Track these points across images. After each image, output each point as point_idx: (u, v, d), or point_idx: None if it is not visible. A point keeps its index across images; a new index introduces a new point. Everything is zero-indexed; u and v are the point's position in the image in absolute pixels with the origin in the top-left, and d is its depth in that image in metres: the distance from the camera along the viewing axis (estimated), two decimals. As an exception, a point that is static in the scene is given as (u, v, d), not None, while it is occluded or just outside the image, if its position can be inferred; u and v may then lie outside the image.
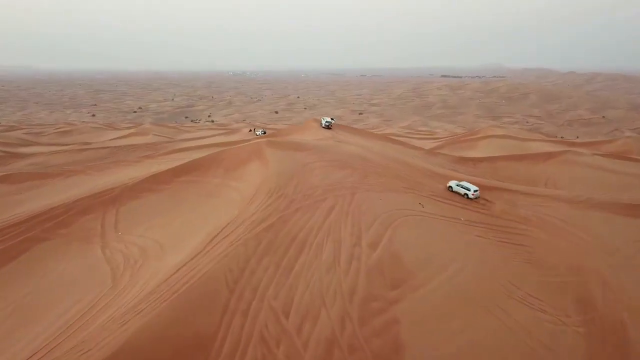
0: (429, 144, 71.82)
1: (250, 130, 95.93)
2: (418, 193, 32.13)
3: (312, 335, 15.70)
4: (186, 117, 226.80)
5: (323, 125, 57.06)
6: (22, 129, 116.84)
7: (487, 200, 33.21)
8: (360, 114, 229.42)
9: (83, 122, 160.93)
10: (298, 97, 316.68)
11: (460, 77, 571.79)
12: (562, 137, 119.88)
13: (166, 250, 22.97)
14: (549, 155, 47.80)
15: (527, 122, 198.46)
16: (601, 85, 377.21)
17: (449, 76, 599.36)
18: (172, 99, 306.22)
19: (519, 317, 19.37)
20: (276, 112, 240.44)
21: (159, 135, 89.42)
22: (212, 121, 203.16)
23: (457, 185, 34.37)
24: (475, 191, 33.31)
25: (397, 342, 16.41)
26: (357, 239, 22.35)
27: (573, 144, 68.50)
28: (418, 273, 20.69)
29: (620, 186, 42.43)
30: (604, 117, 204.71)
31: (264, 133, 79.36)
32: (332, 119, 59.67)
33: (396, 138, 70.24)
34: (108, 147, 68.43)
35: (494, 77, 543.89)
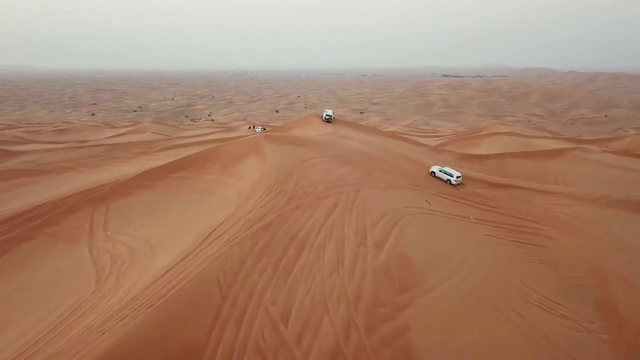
0: (432, 142, 70.22)
1: (250, 128, 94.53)
2: (424, 190, 30.59)
3: (313, 345, 14.12)
4: (186, 116, 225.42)
5: (324, 118, 55.26)
6: (20, 127, 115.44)
7: (496, 197, 31.68)
8: (362, 112, 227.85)
9: (82, 121, 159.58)
10: (299, 97, 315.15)
11: (461, 76, 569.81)
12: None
13: (156, 250, 21.37)
14: (558, 152, 46.26)
15: (530, 121, 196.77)
16: (603, 85, 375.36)
17: (450, 75, 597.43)
18: (172, 98, 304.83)
19: (538, 322, 17.86)
20: (277, 111, 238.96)
21: (157, 133, 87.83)
22: (212, 120, 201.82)
23: (440, 171, 34.04)
24: (458, 177, 32.93)
25: (408, 351, 14.85)
26: (362, 238, 20.76)
27: (581, 141, 66.96)
28: (428, 275, 19.13)
29: (632, 183, 41.07)
30: (606, 116, 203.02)
31: (264, 130, 77.85)
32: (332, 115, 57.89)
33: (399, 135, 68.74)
34: (104, 145, 66.93)
35: (495, 76, 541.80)
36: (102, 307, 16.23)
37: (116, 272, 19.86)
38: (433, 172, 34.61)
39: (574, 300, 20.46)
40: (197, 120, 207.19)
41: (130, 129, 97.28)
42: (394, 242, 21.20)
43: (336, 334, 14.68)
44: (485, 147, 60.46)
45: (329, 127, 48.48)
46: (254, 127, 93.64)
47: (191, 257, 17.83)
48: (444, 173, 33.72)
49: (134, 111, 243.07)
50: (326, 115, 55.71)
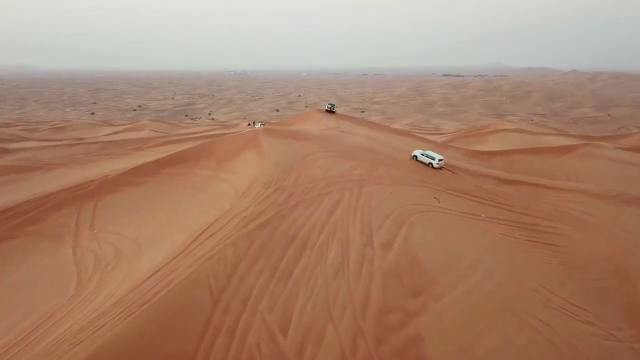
0: (437, 139, 68.51)
1: (249, 124, 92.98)
2: (432, 187, 28.97)
3: (316, 358, 12.46)
4: (186, 115, 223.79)
5: (327, 108, 56.98)
6: (17, 125, 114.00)
7: (508, 194, 30.07)
8: (362, 112, 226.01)
9: (81, 119, 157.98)
10: (299, 96, 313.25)
11: (462, 75, 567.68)
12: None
13: (143, 250, 19.66)
14: (568, 149, 44.57)
15: (532, 120, 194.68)
16: (605, 84, 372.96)
17: (450, 75, 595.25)
18: (173, 97, 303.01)
19: (562, 330, 16.22)
20: (277, 110, 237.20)
21: (155, 131, 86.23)
22: (213, 119, 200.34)
23: (422, 155, 34.13)
24: (439, 160, 33.11)
25: (421, 364, 13.19)
26: (367, 238, 19.05)
27: (589, 138, 65.22)
28: (440, 278, 17.46)
29: (646, 180, 39.37)
30: (609, 115, 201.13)
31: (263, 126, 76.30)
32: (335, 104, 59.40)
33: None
34: (100, 142, 65.36)
35: (496, 75, 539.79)
36: (80, 313, 14.55)
37: (99, 274, 18.15)
38: (415, 155, 34.60)
39: (598, 304, 18.96)
40: (197, 119, 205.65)
41: (128, 126, 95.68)
42: (403, 242, 19.53)
43: (341, 344, 13.00)
44: (491, 144, 58.78)
45: (331, 122, 46.76)
46: (253, 123, 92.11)
47: (180, 258, 16.09)
48: (426, 156, 33.71)
49: (134, 110, 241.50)
50: (329, 104, 57.78)
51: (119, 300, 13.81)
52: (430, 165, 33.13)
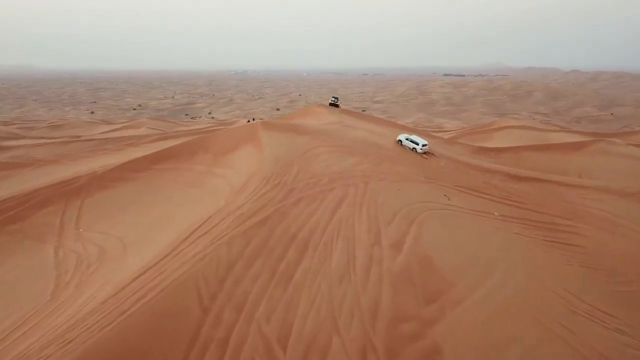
0: (442, 136, 66.86)
1: (249, 122, 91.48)
2: (439, 183, 27.38)
3: (319, 375, 10.86)
4: (186, 114, 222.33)
5: (330, 101, 55.66)
6: (15, 124, 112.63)
7: (521, 191, 28.49)
8: (363, 110, 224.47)
9: (80, 118, 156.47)
10: (300, 95, 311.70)
11: (463, 75, 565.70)
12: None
13: (129, 250, 18.02)
14: (580, 145, 43.00)
15: (534, 119, 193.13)
16: (607, 84, 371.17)
17: (451, 75, 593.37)
18: (173, 97, 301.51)
19: (591, 339, 14.64)
20: (277, 109, 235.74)
21: (153, 129, 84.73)
22: (213, 118, 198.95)
23: (407, 140, 33.78)
24: (423, 145, 32.69)
25: (440, 381, 11.58)
26: (375, 236, 17.41)
27: (597, 135, 63.54)
28: (456, 282, 15.83)
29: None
30: (612, 114, 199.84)
31: (263, 124, 74.70)
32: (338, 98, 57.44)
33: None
34: (96, 140, 63.76)
35: (497, 75, 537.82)
36: (52, 322, 12.94)
37: (78, 278, 16.52)
38: (400, 140, 34.27)
39: (626, 309, 17.39)
40: (197, 118, 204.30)
41: (126, 124, 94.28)
42: (413, 242, 17.91)
43: (349, 358, 11.38)
44: (497, 141, 57.17)
45: (333, 117, 45.09)
46: (252, 120, 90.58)
47: (168, 260, 14.43)
48: (410, 141, 33.24)
49: (134, 109, 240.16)
50: (332, 97, 56.28)
51: (94, 308, 12.16)
52: (414, 150, 32.59)
